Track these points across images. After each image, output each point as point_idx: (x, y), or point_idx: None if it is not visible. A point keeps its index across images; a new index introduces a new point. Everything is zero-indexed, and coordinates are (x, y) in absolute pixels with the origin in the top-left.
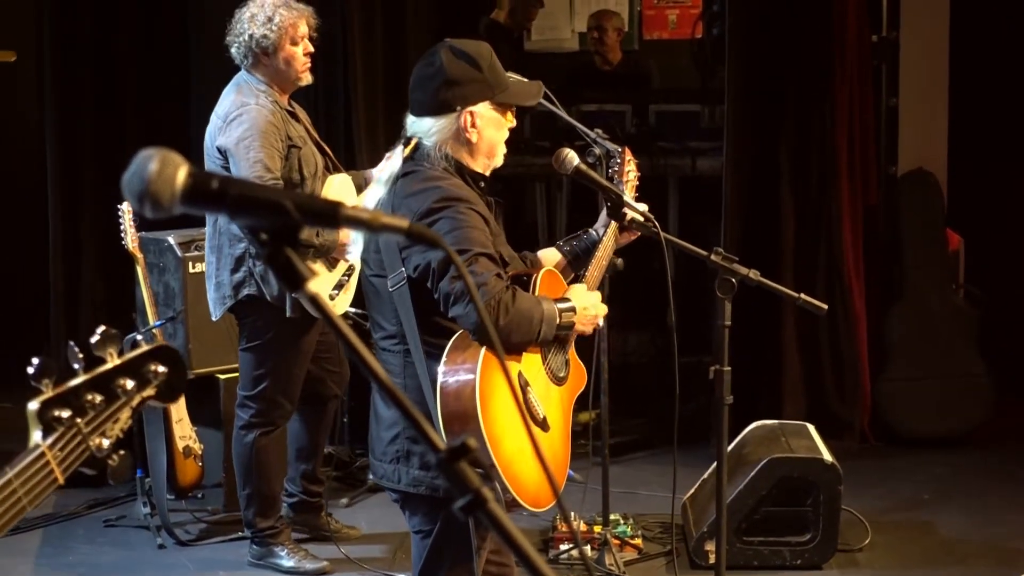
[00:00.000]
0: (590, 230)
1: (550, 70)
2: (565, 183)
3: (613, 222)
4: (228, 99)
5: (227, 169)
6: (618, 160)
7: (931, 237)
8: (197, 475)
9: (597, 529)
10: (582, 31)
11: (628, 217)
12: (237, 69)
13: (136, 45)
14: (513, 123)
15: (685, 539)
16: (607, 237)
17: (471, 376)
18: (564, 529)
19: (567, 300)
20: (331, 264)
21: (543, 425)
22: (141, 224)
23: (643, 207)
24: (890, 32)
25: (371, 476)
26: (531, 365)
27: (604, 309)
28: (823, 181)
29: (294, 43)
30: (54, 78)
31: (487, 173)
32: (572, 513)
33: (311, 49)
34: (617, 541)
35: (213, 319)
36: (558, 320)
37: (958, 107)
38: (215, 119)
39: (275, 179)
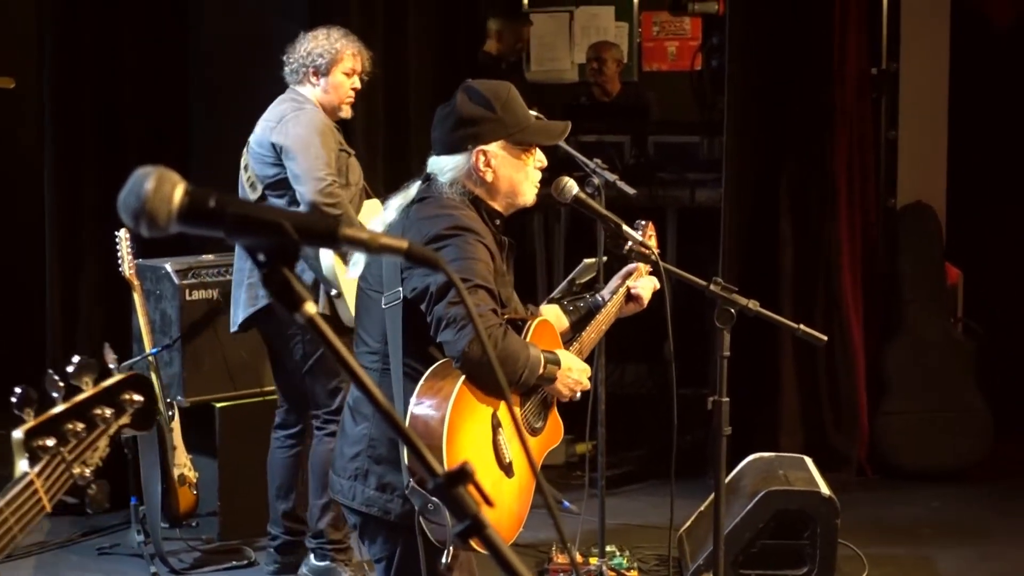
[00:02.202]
0: (596, 295)
1: (549, 101)
2: (563, 214)
3: (620, 291)
4: (280, 106)
5: (276, 166)
6: (640, 231)
7: (930, 270)
8: (192, 503)
9: (593, 561)
10: (581, 62)
11: (628, 246)
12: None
13: (137, 72)
14: (540, 162)
15: (681, 571)
16: (611, 304)
17: (443, 408)
18: (560, 561)
19: (554, 354)
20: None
21: (507, 470)
22: (138, 251)
23: (654, 282)
24: (890, 64)
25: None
26: (507, 409)
27: (587, 384)
28: (822, 213)
29: (345, 73)
30: (54, 104)
31: (507, 212)
32: (569, 544)
33: (358, 86)
34: (613, 573)
35: (234, 326)
36: (541, 370)
37: (957, 140)
38: (264, 123)
39: (334, 176)
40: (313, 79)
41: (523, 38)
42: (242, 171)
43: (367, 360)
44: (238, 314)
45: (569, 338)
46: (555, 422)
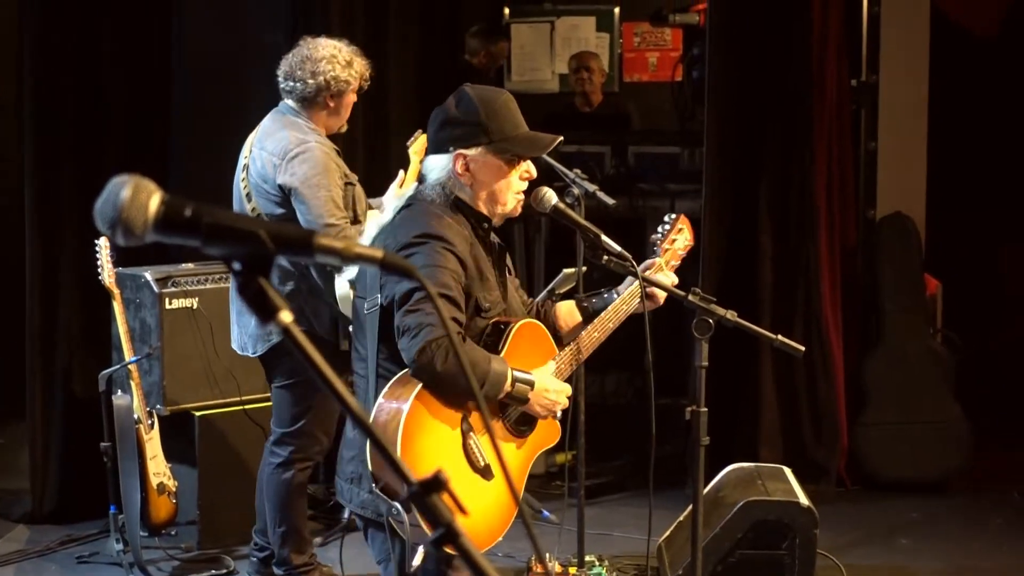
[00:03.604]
0: (612, 291)
1: (530, 111)
2: (544, 224)
3: (635, 287)
4: (280, 135)
5: (280, 205)
6: (668, 225)
7: (909, 281)
8: (171, 512)
9: (572, 571)
10: (563, 72)
11: (605, 258)
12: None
13: (118, 83)
14: (529, 174)
15: None
16: (620, 300)
17: (400, 413)
18: (539, 570)
19: (527, 374)
20: None
21: (484, 473)
22: (118, 260)
23: (672, 278)
24: (869, 76)
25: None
26: (479, 413)
27: (565, 403)
28: (801, 224)
29: (355, 91)
30: (33, 112)
31: (494, 218)
32: (547, 554)
33: (355, 98)
34: None
35: (242, 350)
36: (508, 387)
37: (937, 151)
38: (267, 155)
39: (345, 217)
40: (329, 101)
41: (502, 55)
42: (244, 200)
43: (359, 367)
44: (246, 342)
45: (576, 335)
46: (548, 423)
